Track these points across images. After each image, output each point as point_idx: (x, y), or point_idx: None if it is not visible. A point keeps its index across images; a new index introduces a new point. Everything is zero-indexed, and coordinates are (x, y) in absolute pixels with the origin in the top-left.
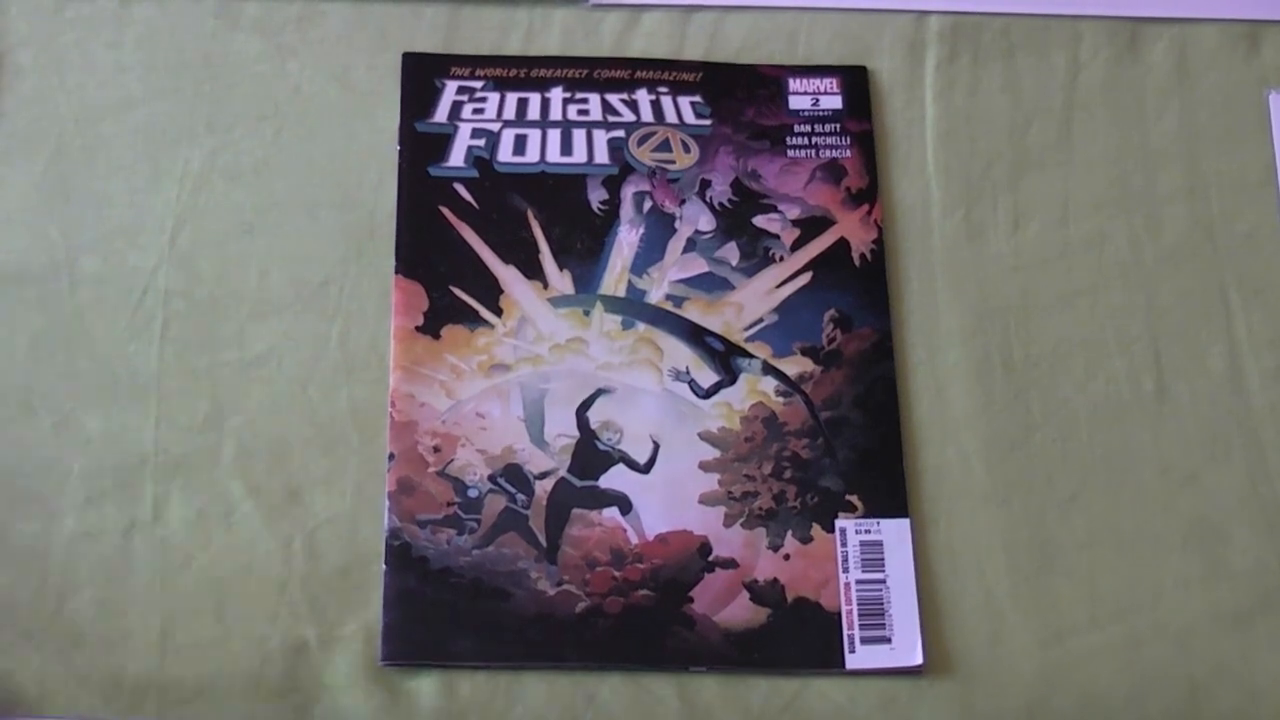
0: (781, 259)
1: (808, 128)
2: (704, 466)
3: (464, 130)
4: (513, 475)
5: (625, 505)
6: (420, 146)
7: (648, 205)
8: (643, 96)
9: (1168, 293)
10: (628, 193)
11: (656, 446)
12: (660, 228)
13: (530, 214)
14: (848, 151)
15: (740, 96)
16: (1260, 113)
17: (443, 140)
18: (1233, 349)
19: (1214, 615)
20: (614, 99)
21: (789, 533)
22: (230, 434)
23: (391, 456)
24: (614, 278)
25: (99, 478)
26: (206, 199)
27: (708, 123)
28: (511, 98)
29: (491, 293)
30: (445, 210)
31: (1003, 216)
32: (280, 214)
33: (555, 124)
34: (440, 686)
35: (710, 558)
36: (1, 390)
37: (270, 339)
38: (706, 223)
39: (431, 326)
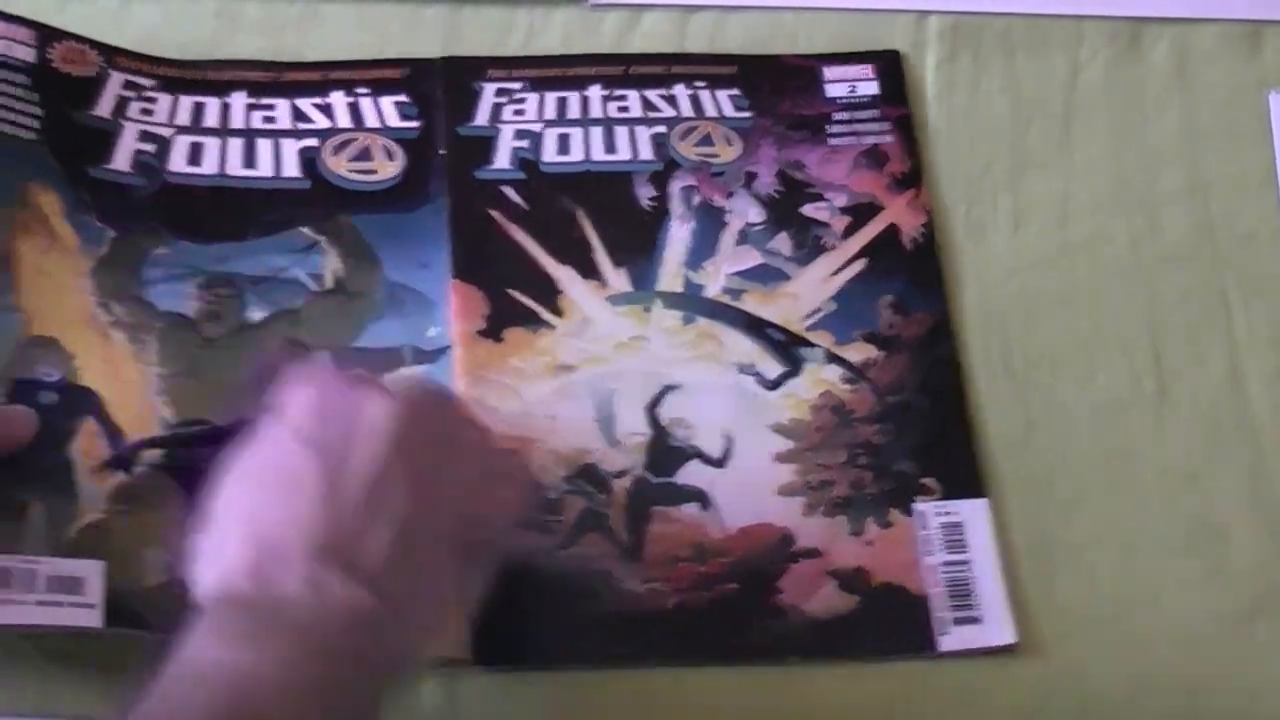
0: (834, 247)
1: (846, 115)
2: (779, 458)
3: (506, 132)
4: (589, 475)
5: (704, 500)
6: (464, 150)
7: (696, 199)
8: (680, 91)
9: (1168, 293)
10: (675, 188)
11: (730, 440)
12: (711, 221)
13: (580, 213)
14: (888, 137)
15: (776, 88)
16: (1260, 113)
17: (486, 143)
18: (1233, 349)
19: (1214, 616)
20: (652, 95)
21: (869, 519)
22: None
23: None
24: (670, 273)
25: None
26: None
27: (747, 115)
28: (551, 97)
29: (549, 294)
30: (495, 213)
31: (1003, 216)
32: None
33: (596, 122)
34: (453, 688)
35: (793, 548)
36: None
37: None
38: (756, 214)
39: (493, 330)
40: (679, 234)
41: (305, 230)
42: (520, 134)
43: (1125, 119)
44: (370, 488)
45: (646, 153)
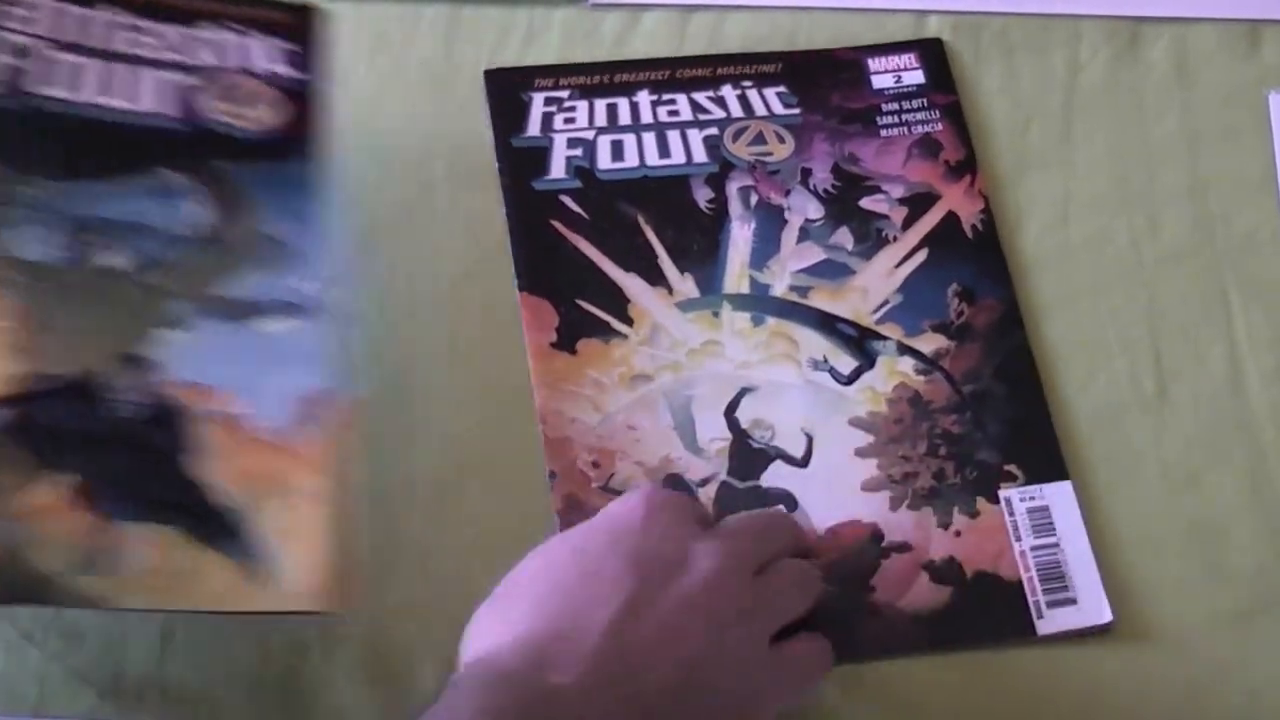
0: (895, 239)
1: (895, 105)
2: (860, 453)
3: (559, 141)
4: (675, 485)
5: (790, 502)
6: (519, 162)
7: (754, 199)
8: (728, 92)
9: (1168, 293)
10: (732, 189)
11: (810, 439)
12: (771, 220)
13: (641, 219)
14: (939, 125)
15: (823, 82)
16: (1260, 113)
17: (540, 153)
18: (1233, 349)
19: (1214, 615)
20: (700, 97)
21: (955, 509)
22: None
23: (553, 475)
24: (735, 275)
25: None
26: None
27: (796, 112)
28: (600, 104)
29: (618, 303)
30: (556, 223)
31: (1003, 216)
32: None
33: (648, 127)
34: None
35: (884, 544)
36: None
37: None
38: (815, 210)
39: (566, 342)
40: (740, 235)
41: (174, 173)
42: (573, 142)
43: (1125, 119)
44: (665, 627)
45: (700, 155)
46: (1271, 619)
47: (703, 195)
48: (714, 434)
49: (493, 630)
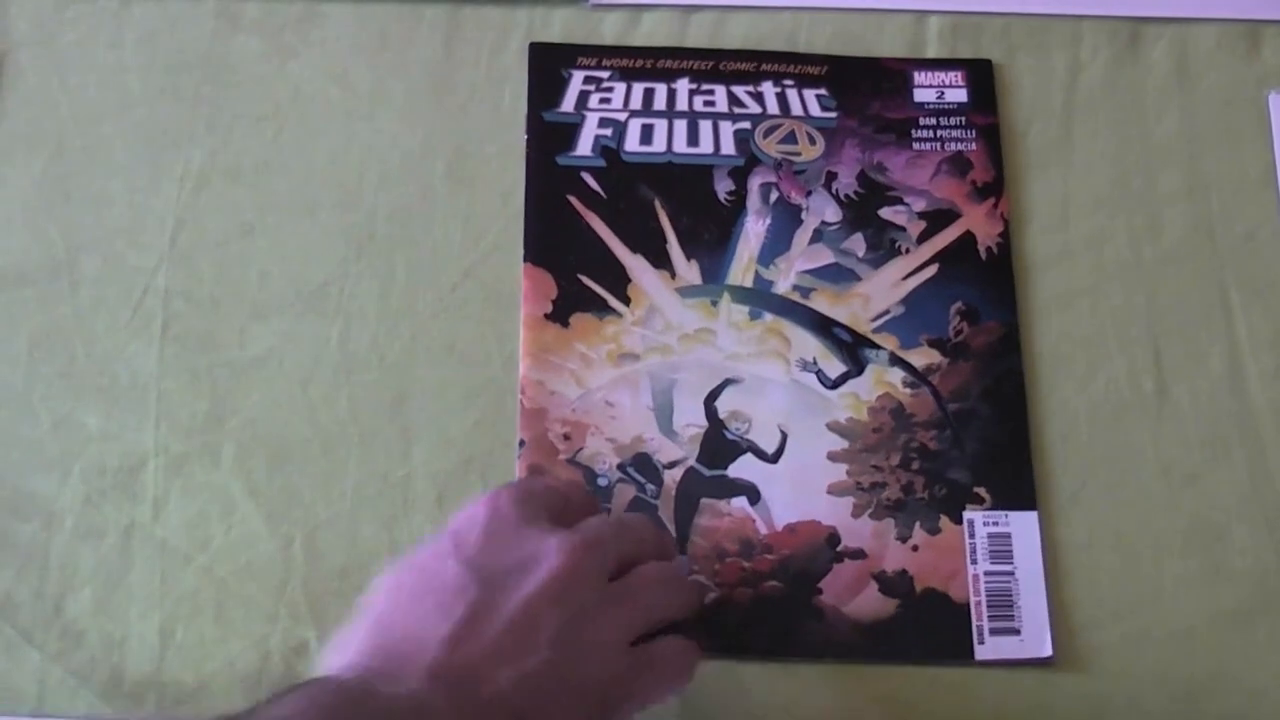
0: (908, 251)
1: (933, 121)
2: (832, 457)
3: (591, 120)
4: (642, 464)
5: (754, 495)
6: (548, 136)
7: (774, 196)
8: (768, 89)
9: (1168, 293)
10: (754, 183)
11: (784, 436)
12: (787, 219)
13: (658, 203)
14: (973, 145)
15: (865, 90)
16: (1260, 113)
17: (570, 130)
18: (1233, 349)
19: (1214, 615)
20: (740, 91)
21: (917, 524)
22: (230, 434)
23: (522, 443)
24: (741, 268)
25: (99, 478)
26: (206, 199)
27: (833, 115)
28: (638, 88)
29: (620, 282)
30: (573, 199)
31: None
32: (280, 214)
33: (682, 115)
34: None
35: (839, 548)
36: (1, 390)
37: (270, 339)
38: (833, 214)
39: (560, 314)
40: (754, 229)
41: None
42: (604, 122)
43: (1125, 119)
44: (512, 628)
45: (729, 148)
46: (1271, 619)
47: (723, 187)
48: (690, 420)
49: (332, 659)
